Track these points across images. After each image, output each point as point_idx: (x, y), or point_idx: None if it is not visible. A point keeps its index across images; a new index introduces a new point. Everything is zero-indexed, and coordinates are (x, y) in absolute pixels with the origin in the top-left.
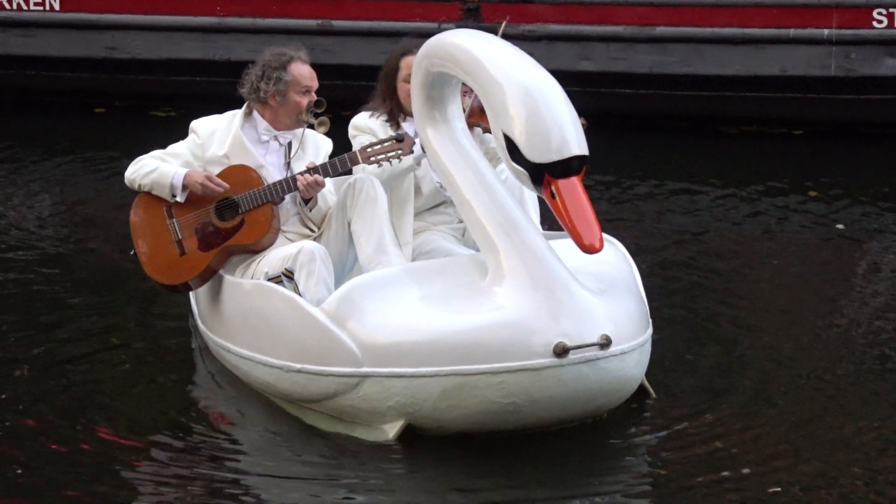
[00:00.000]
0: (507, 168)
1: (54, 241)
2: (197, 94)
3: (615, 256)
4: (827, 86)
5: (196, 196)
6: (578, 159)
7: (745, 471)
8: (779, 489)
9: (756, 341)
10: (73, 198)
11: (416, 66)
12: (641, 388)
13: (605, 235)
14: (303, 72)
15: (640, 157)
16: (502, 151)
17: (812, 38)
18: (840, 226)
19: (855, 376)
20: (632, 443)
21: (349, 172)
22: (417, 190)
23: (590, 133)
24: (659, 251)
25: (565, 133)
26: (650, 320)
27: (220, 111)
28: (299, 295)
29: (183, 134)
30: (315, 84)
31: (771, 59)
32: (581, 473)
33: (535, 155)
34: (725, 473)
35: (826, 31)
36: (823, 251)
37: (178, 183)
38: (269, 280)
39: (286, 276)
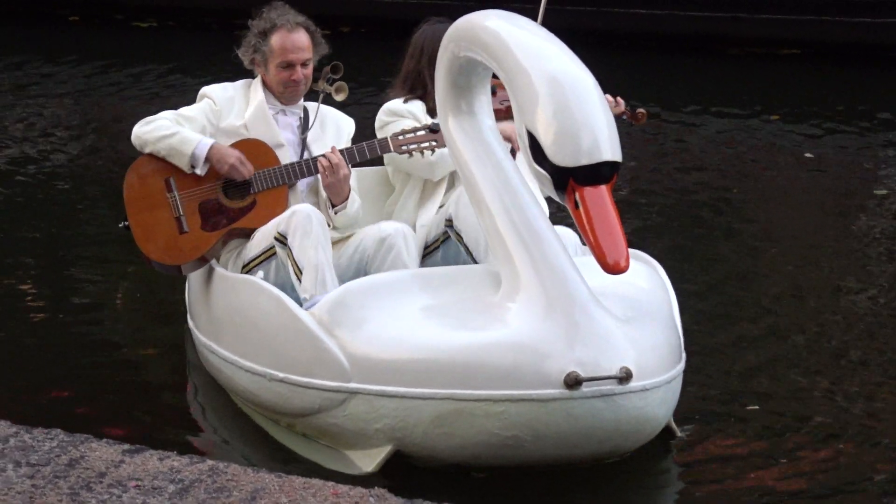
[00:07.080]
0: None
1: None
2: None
3: (650, 280)
4: (843, 8)
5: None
6: (610, 166)
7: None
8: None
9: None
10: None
11: (443, 48)
12: (665, 426)
13: (643, 255)
14: (284, 43)
15: (637, 77)
16: (525, 151)
17: None
18: (809, 154)
19: None
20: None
21: (377, 161)
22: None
23: (594, 51)
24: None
25: (597, 134)
26: (683, 355)
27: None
28: (294, 261)
29: (167, 46)
30: (302, 56)
31: None
32: None
33: (561, 157)
34: None
35: None
36: (791, 180)
37: (202, 153)
38: (260, 255)
39: (279, 242)
